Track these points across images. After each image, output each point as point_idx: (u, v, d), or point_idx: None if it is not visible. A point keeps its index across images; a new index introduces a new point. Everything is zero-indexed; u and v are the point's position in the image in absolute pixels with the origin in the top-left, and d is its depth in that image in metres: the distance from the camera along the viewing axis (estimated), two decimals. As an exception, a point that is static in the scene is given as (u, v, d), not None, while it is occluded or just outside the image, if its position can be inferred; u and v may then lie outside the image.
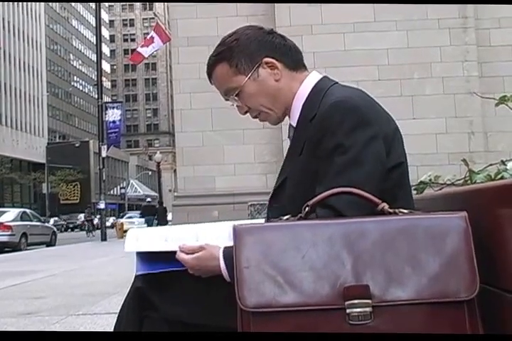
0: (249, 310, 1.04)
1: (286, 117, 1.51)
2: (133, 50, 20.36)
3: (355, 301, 1.02)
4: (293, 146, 1.42)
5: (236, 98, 1.44)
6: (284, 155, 1.61)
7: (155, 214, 25.10)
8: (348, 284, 1.03)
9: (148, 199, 38.06)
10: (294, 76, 1.44)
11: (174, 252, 1.34)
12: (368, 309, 1.02)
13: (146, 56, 19.26)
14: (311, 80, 1.44)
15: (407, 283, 1.04)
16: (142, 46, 19.04)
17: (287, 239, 1.08)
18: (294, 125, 1.43)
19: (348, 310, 1.02)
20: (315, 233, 1.09)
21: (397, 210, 1.13)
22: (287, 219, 1.18)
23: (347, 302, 1.02)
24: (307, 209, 1.16)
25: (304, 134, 1.35)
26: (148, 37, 19.11)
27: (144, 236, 1.41)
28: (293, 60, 1.46)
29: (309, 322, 1.03)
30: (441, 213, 1.12)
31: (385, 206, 1.14)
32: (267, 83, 1.42)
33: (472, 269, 1.04)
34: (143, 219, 34.58)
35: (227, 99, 1.48)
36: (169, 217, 28.07)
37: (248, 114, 1.49)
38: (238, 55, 1.42)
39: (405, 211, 1.13)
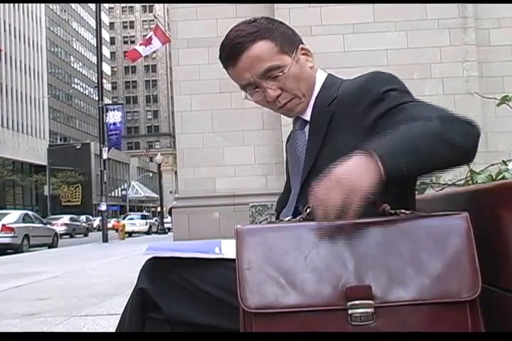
0: (251, 311, 1.04)
1: (286, 116, 1.51)
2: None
3: (357, 302, 1.03)
4: (312, 138, 1.38)
5: (276, 78, 1.36)
6: (284, 156, 1.60)
7: None
8: (350, 285, 1.04)
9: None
10: (315, 70, 1.46)
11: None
12: (370, 310, 1.02)
13: (144, 55, 19.33)
14: (319, 76, 1.45)
15: (409, 283, 1.04)
16: (140, 45, 19.19)
17: (289, 240, 1.09)
18: (307, 118, 1.42)
19: (350, 311, 1.02)
20: (317, 234, 1.09)
21: (398, 211, 1.14)
22: (289, 220, 1.19)
23: (349, 303, 1.03)
24: (308, 210, 1.16)
25: (325, 120, 1.34)
26: (147, 37, 19.25)
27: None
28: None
29: (311, 323, 1.03)
30: (443, 214, 1.12)
31: (387, 207, 1.14)
32: (306, 68, 1.41)
33: (474, 269, 1.04)
34: (144, 221, 34.66)
35: (244, 87, 1.39)
36: (169, 218, 28.12)
37: (258, 105, 1.45)
38: (280, 35, 1.38)
39: (407, 212, 1.14)
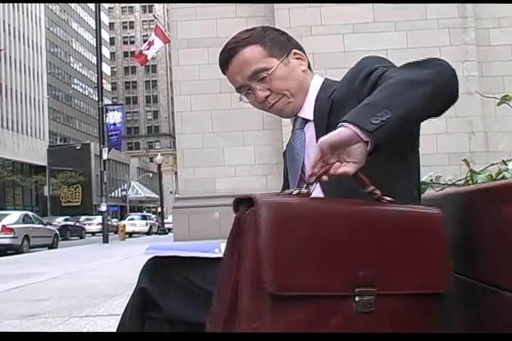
0: (271, 291, 1.01)
1: (279, 117, 1.54)
2: (133, 53, 20.46)
3: (359, 289, 1.05)
4: (318, 130, 1.40)
5: (263, 79, 1.43)
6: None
7: None
8: (354, 273, 1.06)
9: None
10: (310, 73, 1.51)
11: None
12: (371, 297, 1.05)
13: (149, 58, 19.45)
14: (315, 82, 1.49)
15: (392, 275, 1.07)
16: (146, 50, 19.34)
17: (303, 225, 1.07)
18: (307, 117, 1.45)
19: (356, 298, 1.05)
20: (328, 221, 1.08)
21: (383, 197, 1.13)
22: (298, 193, 1.12)
23: (356, 290, 1.05)
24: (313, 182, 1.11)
25: (326, 110, 1.38)
26: (150, 40, 19.34)
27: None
28: (308, 61, 1.53)
29: (319, 309, 1.05)
30: (418, 206, 1.16)
31: (376, 191, 1.12)
32: (297, 71, 1.47)
33: (446, 263, 1.10)
34: (144, 221, 34.66)
35: (239, 88, 1.48)
36: (169, 218, 28.11)
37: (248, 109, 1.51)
38: (271, 41, 1.46)
39: (388, 198, 1.13)
